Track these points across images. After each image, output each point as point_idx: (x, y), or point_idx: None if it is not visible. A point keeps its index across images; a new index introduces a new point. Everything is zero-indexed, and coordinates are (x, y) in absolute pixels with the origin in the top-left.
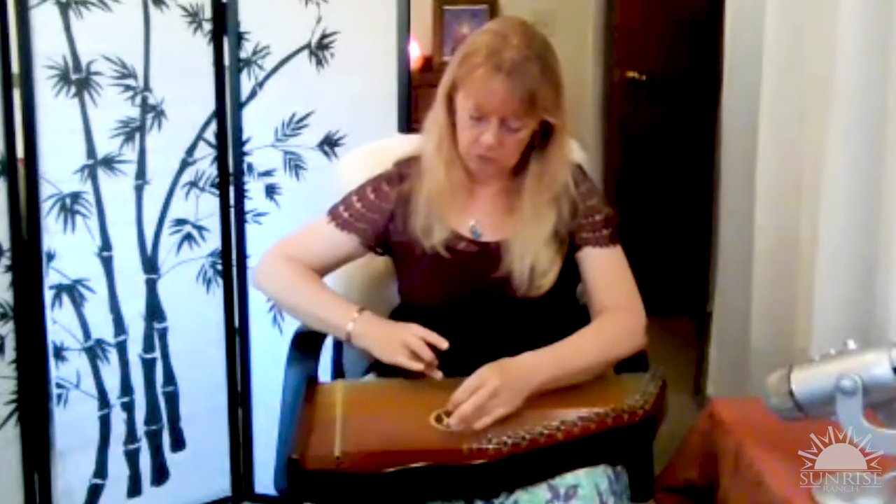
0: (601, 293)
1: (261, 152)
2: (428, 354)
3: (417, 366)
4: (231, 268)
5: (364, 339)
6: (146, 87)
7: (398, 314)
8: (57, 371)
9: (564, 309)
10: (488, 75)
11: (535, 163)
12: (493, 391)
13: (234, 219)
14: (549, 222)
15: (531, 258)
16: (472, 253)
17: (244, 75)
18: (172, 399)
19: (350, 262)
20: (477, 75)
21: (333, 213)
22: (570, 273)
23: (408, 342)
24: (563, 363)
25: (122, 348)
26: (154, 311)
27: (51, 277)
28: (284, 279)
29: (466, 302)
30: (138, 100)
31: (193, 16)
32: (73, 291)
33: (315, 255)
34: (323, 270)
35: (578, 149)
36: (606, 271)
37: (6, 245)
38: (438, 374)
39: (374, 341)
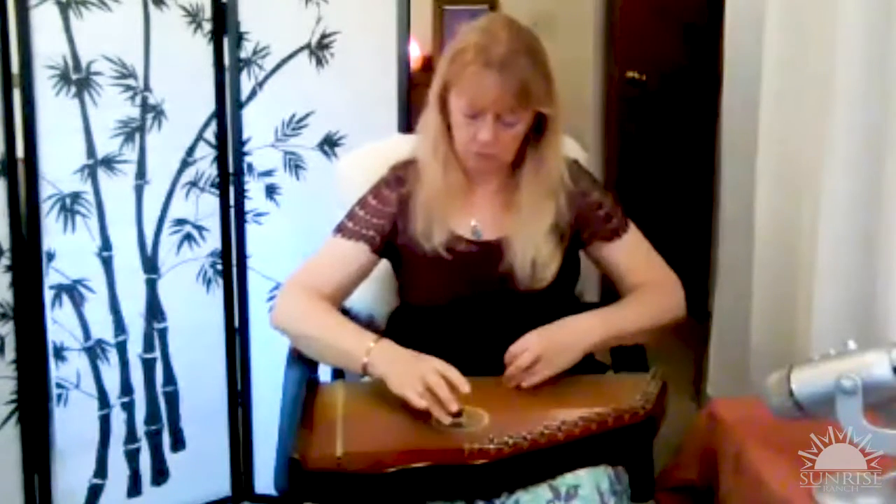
0: (632, 276)
1: (261, 152)
2: (445, 394)
3: (421, 403)
4: (231, 268)
5: (380, 367)
6: (146, 87)
7: (397, 315)
8: (57, 371)
9: (566, 302)
10: (479, 72)
11: (531, 156)
12: (535, 356)
13: (234, 219)
14: (549, 215)
15: (532, 252)
16: (473, 252)
17: (244, 75)
18: (172, 399)
19: (365, 276)
20: (468, 73)
21: (339, 228)
22: (571, 266)
23: (425, 378)
24: (614, 326)
25: (122, 348)
26: (154, 311)
27: (51, 277)
28: (297, 311)
29: (470, 299)
30: (138, 100)
31: (193, 16)
32: (73, 291)
33: (328, 276)
34: (340, 292)
35: (579, 148)
36: (630, 258)
37: (6, 245)
38: (447, 419)
39: (390, 371)
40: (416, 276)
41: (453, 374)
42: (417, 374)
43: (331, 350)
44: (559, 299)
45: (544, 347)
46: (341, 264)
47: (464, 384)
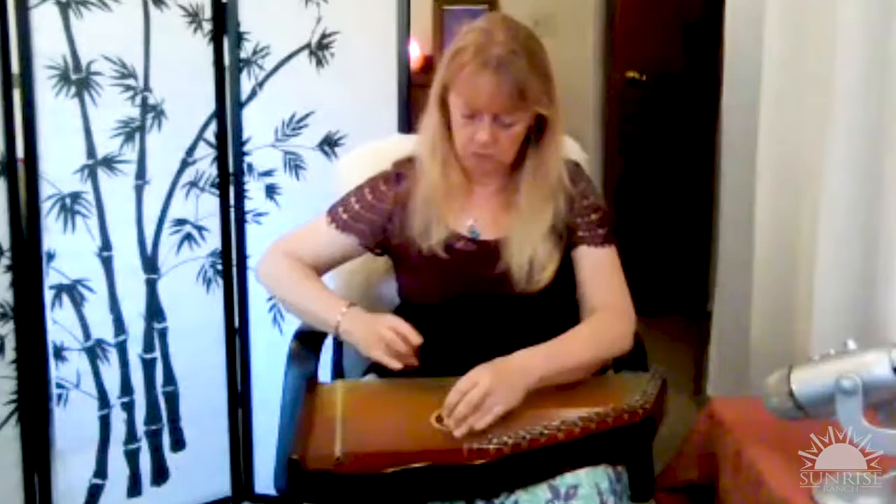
0: (594, 293)
1: (261, 152)
2: (401, 346)
3: (395, 364)
4: (231, 268)
5: (350, 334)
6: (146, 87)
7: (398, 314)
8: (57, 371)
9: (563, 304)
10: (476, 72)
11: (531, 157)
12: (486, 390)
13: (234, 219)
14: (547, 217)
15: (529, 253)
16: (470, 252)
17: (244, 75)
18: (172, 399)
19: (350, 261)
20: (465, 73)
21: (332, 214)
22: (569, 269)
23: (383, 336)
24: (558, 361)
25: (122, 348)
26: (154, 311)
27: (51, 277)
28: (282, 276)
29: (466, 299)
30: (138, 100)
31: (193, 16)
32: (73, 291)
33: (314, 253)
34: (322, 268)
35: (579, 149)
36: (600, 271)
37: (6, 245)
38: (414, 361)
39: (358, 337)
40: (413, 274)
41: (404, 327)
42: (376, 335)
43: (309, 315)
44: (556, 303)
45: (494, 383)
46: (327, 249)
47: (414, 336)
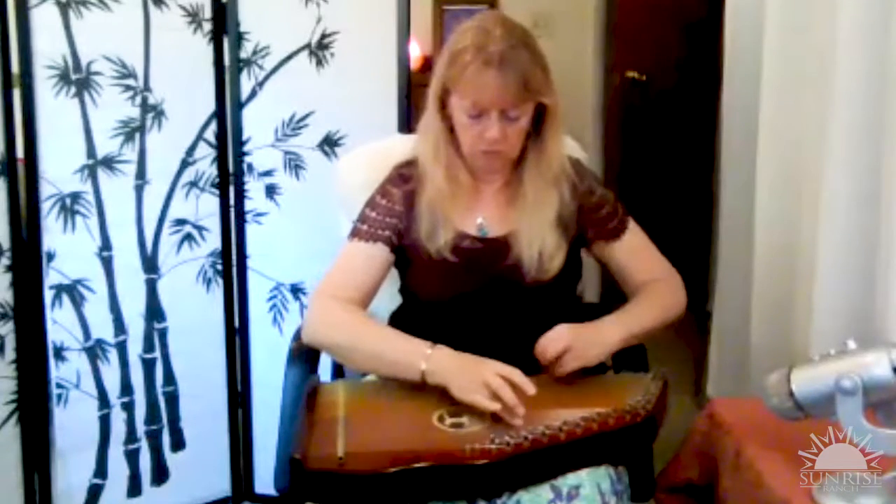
0: (636, 275)
1: (261, 152)
2: (510, 397)
3: (495, 406)
4: (231, 268)
5: (439, 374)
6: (146, 87)
7: (400, 314)
8: (57, 371)
9: (569, 299)
10: (480, 71)
11: (533, 149)
12: (566, 345)
13: (234, 219)
14: (553, 207)
15: (538, 245)
16: (479, 249)
17: (244, 75)
18: (172, 399)
19: (385, 276)
20: (468, 73)
21: (354, 232)
22: (574, 262)
23: (487, 381)
24: (631, 326)
25: (122, 348)
26: (154, 311)
27: (51, 277)
28: (341, 322)
29: (477, 293)
30: (138, 100)
31: (193, 16)
32: (73, 291)
33: (359, 281)
34: (368, 296)
35: (579, 148)
36: (632, 256)
37: (6, 245)
38: (518, 421)
39: (451, 377)
40: (422, 274)
41: (517, 376)
42: (480, 380)
43: (380, 360)
44: (563, 294)
45: (574, 338)
46: (364, 268)
47: (528, 386)
